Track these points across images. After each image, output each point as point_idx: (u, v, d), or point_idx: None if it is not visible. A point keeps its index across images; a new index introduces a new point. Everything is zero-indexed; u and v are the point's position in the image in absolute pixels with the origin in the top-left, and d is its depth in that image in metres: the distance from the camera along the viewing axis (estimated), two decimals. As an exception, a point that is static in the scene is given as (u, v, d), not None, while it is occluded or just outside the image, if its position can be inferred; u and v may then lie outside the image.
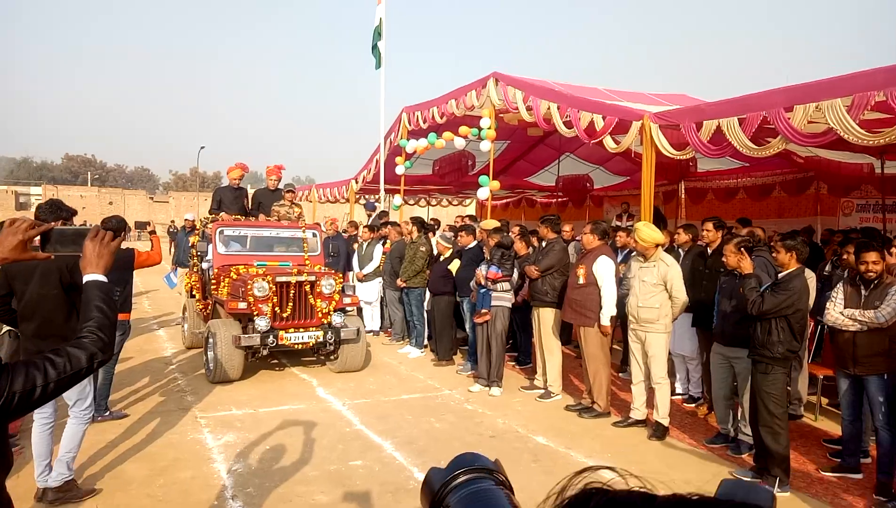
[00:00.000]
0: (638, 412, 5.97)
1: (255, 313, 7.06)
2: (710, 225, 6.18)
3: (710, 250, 6.17)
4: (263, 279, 7.14)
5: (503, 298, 6.97)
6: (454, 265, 8.37)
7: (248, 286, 7.06)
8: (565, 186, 15.07)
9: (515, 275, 7.24)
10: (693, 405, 6.68)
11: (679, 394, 6.89)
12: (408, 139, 12.57)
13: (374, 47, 12.91)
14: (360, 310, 9.71)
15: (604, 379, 6.26)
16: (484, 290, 7.05)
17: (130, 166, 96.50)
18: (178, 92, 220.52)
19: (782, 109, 5.83)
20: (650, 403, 5.93)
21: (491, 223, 7.94)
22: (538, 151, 14.67)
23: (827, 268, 6.56)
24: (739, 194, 12.75)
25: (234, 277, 7.46)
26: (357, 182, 15.80)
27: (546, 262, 6.81)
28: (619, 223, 12.21)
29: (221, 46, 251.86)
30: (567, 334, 7.97)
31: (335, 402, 6.74)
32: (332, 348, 7.58)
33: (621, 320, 6.59)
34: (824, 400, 6.43)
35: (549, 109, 8.95)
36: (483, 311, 7.04)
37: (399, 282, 9.22)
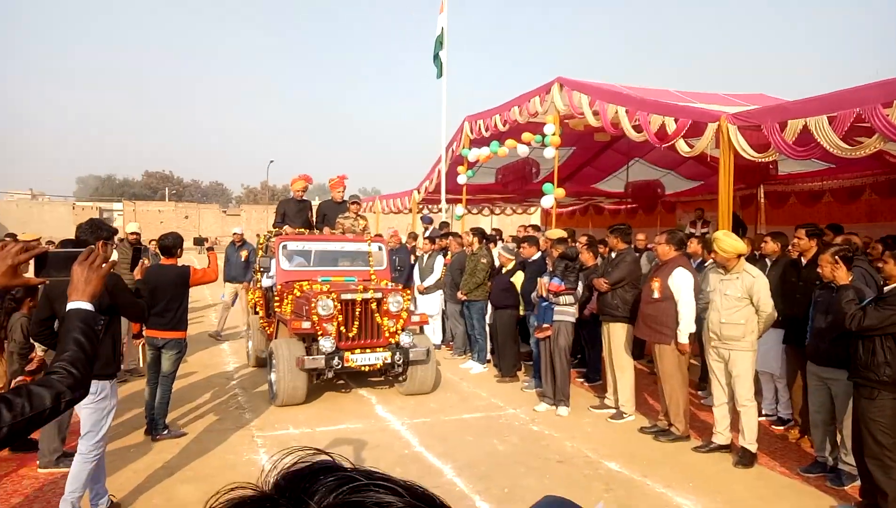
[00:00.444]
0: (721, 436, 5.45)
1: (319, 332, 6.70)
2: (802, 233, 5.62)
3: (804, 261, 5.60)
4: (328, 297, 6.77)
5: (566, 312, 6.57)
6: (517, 278, 8.02)
7: (312, 305, 6.73)
8: (635, 192, 14.49)
9: (580, 288, 6.84)
10: (783, 427, 6.10)
11: (766, 416, 6.30)
12: (469, 148, 12.34)
13: (436, 56, 12.76)
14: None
15: (682, 400, 5.78)
16: (546, 303, 6.67)
17: (205, 181, 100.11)
18: (250, 108, 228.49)
19: (879, 104, 5.30)
20: (734, 426, 5.41)
21: (556, 233, 7.57)
22: (606, 157, 14.18)
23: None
24: (825, 198, 11.88)
25: (298, 294, 7.19)
26: (419, 192, 15.67)
27: (616, 274, 6.38)
28: (692, 231, 11.57)
29: (286, 61, 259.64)
30: (640, 348, 7.49)
31: (394, 421, 6.49)
32: (400, 369, 7.12)
33: (698, 334, 6.10)
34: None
35: (616, 113, 8.54)
36: (545, 326, 6.67)
37: (459, 295, 8.93)
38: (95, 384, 3.95)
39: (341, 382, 7.92)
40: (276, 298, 7.62)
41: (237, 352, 10.01)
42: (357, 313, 6.91)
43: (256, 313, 8.74)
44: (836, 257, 4.38)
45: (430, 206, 15.71)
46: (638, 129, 8.20)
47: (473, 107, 16.54)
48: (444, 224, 12.18)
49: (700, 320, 5.76)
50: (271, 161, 63.83)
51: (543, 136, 10.26)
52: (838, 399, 4.67)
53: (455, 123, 13.31)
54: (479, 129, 12.03)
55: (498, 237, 11.02)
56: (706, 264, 6.65)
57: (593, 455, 5.50)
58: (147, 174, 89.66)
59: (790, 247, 5.99)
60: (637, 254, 7.38)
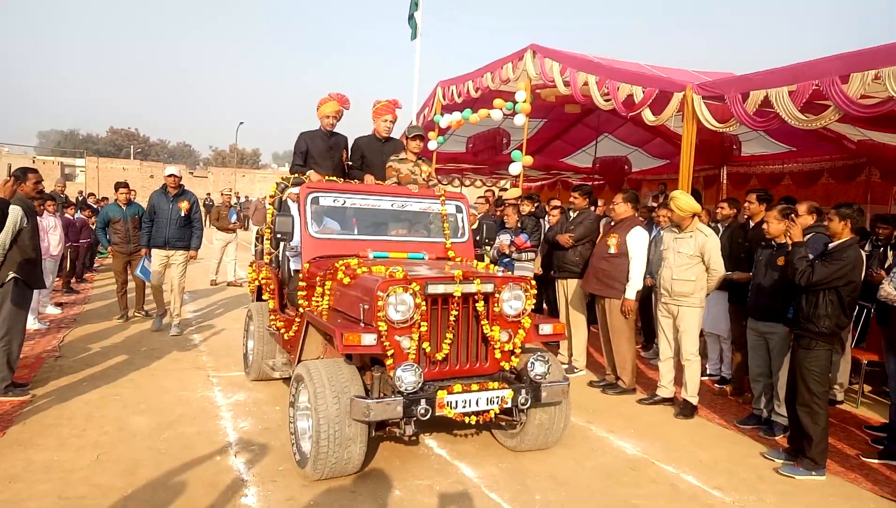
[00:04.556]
0: (665, 389, 5.67)
1: (390, 353, 3.93)
2: (753, 197, 5.85)
3: (752, 223, 5.81)
4: (405, 289, 3.96)
5: (527, 267, 6.70)
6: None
7: (378, 302, 3.92)
8: (602, 167, 14.68)
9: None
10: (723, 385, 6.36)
11: (710, 375, 6.56)
12: (442, 114, 12.31)
13: (411, 17, 12.67)
14: None
15: (629, 354, 5.97)
16: (507, 260, 6.78)
17: (173, 142, 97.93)
18: (219, 68, 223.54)
19: (837, 77, 5.46)
20: (678, 381, 5.63)
21: (515, 192, 7.66)
22: (575, 131, 14.29)
23: (867, 247, 6.17)
24: (785, 180, 12.20)
25: (346, 280, 4.31)
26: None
27: (580, 231, 6.49)
28: (654, 204, 11.80)
29: (256, 20, 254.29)
30: (592, 312, 7.67)
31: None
32: (523, 418, 4.44)
33: (644, 295, 6.29)
34: (867, 387, 6.06)
35: (586, 82, 8.61)
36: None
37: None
38: None
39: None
40: (303, 282, 4.85)
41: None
42: (452, 317, 4.13)
43: (261, 299, 6.13)
44: (786, 214, 4.57)
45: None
46: (607, 98, 8.29)
47: (448, 73, 16.44)
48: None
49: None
50: (241, 123, 62.50)
51: (514, 102, 10.31)
52: (774, 353, 4.93)
53: (428, 88, 13.27)
54: (452, 94, 12.00)
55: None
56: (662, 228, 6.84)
57: (543, 405, 5.61)
58: (112, 131, 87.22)
59: (742, 211, 6.19)
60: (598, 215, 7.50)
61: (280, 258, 5.67)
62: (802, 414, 4.23)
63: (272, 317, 5.59)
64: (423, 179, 5.78)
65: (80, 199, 17.22)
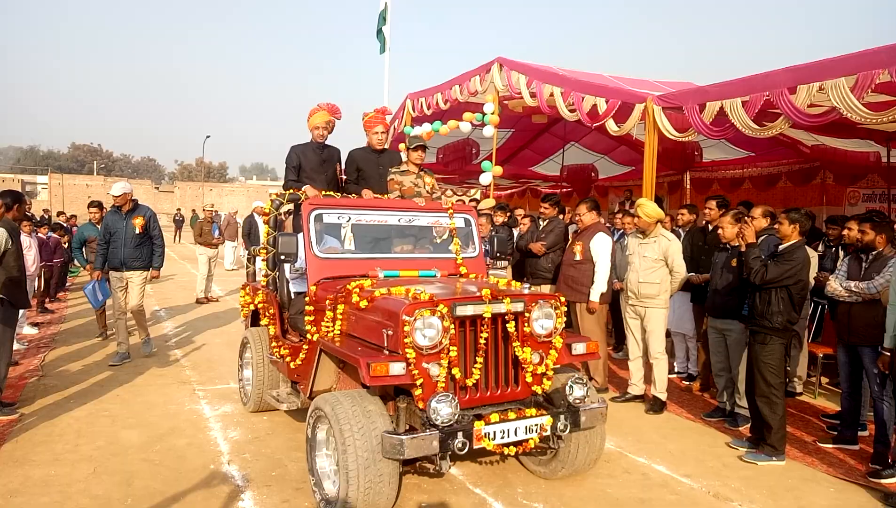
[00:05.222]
0: (636, 387, 5.97)
1: (419, 383, 3.61)
2: (713, 203, 6.21)
3: (710, 228, 6.17)
4: (432, 312, 3.67)
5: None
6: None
7: (404, 327, 3.61)
8: (570, 175, 15.03)
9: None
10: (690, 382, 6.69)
11: (678, 373, 6.90)
12: (412, 126, 12.56)
13: (379, 32, 12.91)
14: None
15: (601, 355, 6.26)
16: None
17: (136, 156, 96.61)
18: (184, 83, 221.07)
19: (786, 89, 5.83)
20: (648, 379, 5.93)
21: (488, 203, 7.94)
22: (543, 140, 14.64)
23: (820, 247, 6.57)
24: (745, 184, 12.69)
25: (364, 304, 4.01)
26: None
27: (551, 239, 6.80)
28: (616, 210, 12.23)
29: (223, 34, 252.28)
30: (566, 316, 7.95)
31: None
32: (560, 445, 4.13)
33: (614, 298, 6.59)
34: (824, 379, 6.43)
35: (552, 93, 8.93)
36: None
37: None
38: None
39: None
40: (310, 306, 4.56)
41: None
42: (482, 341, 3.83)
43: (256, 324, 5.82)
44: (739, 218, 4.91)
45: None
46: (572, 109, 8.62)
47: (418, 84, 16.71)
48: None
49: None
50: (208, 136, 61.81)
51: (483, 114, 10.60)
52: (732, 348, 5.30)
53: (398, 100, 13.53)
54: (422, 106, 12.26)
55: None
56: (627, 234, 7.17)
57: (520, 406, 5.86)
58: (74, 147, 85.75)
59: (703, 216, 6.55)
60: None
61: (278, 280, 5.34)
62: (761, 404, 4.55)
63: (274, 344, 5.20)
64: (427, 192, 5.51)
65: (45, 217, 17.06)
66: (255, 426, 5.26)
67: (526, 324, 3.94)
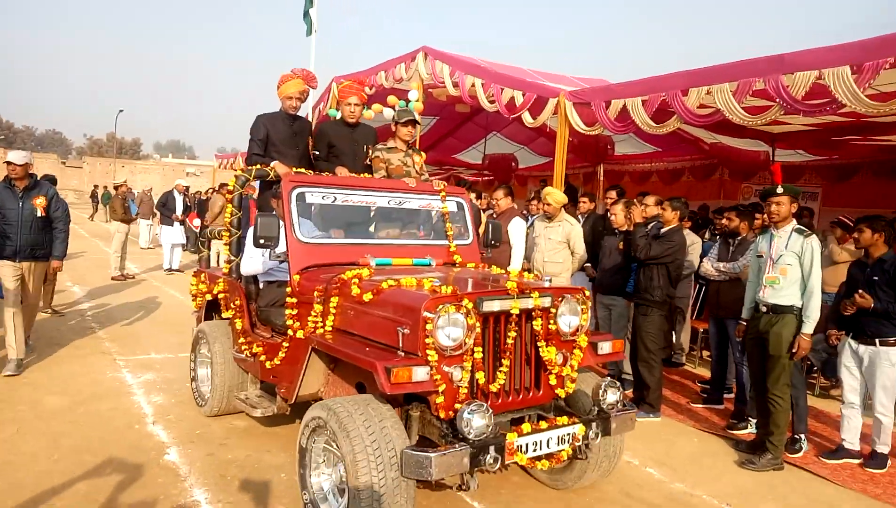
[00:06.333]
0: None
1: (441, 389, 3.13)
2: (613, 193, 6.82)
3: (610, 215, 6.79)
4: (456, 307, 3.20)
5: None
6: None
7: (426, 325, 3.13)
8: (492, 164, 15.56)
9: None
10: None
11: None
12: (337, 109, 12.69)
13: (306, 14, 12.96)
14: None
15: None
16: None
17: (41, 128, 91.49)
18: (99, 53, 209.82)
19: (679, 91, 6.45)
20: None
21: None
22: (466, 129, 15.08)
23: (706, 235, 7.34)
24: (653, 178, 13.62)
25: (368, 296, 3.46)
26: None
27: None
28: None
29: (140, 4, 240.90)
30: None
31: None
32: (588, 455, 3.69)
33: None
34: (705, 353, 7.19)
35: (473, 84, 9.36)
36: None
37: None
38: None
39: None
40: (291, 298, 4.01)
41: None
42: (508, 340, 3.41)
43: (211, 317, 5.28)
44: (629, 205, 5.53)
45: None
46: (491, 100, 9.09)
47: (343, 68, 16.78)
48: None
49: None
50: (121, 110, 59.01)
51: (407, 101, 10.93)
52: (615, 320, 5.97)
53: (324, 83, 13.62)
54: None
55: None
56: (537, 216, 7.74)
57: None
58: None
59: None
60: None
61: (248, 271, 4.65)
62: (642, 368, 5.19)
63: (242, 340, 4.52)
64: (416, 172, 5.04)
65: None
66: (178, 392, 5.45)
67: (551, 321, 3.54)
